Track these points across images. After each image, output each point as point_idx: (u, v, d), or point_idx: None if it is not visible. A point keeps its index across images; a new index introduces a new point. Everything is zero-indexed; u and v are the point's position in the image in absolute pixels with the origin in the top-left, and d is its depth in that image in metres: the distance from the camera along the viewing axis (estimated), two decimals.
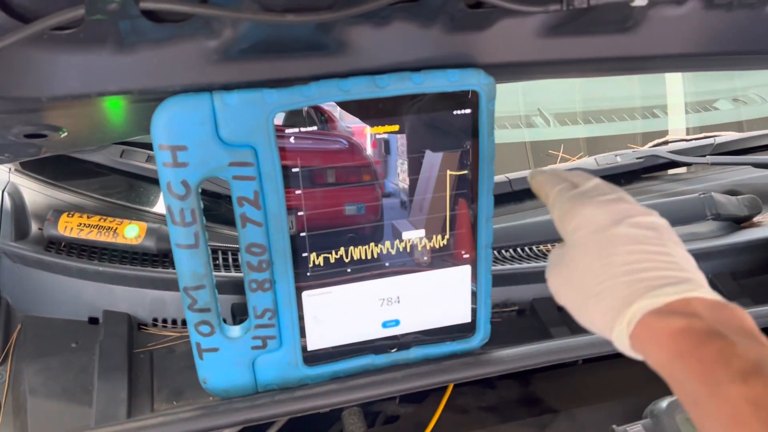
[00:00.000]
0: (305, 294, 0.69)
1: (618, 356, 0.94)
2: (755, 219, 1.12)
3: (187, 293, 0.65)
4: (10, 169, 0.90)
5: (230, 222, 0.91)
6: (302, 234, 0.67)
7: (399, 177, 0.68)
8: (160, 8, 0.48)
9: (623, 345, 0.48)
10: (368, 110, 0.64)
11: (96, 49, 0.51)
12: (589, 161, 1.21)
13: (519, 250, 1.01)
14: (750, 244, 1.05)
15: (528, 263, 0.97)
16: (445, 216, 0.71)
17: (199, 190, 0.62)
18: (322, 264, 0.69)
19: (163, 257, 0.87)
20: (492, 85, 0.65)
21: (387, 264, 0.71)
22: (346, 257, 0.69)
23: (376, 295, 0.72)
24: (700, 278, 0.49)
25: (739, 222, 1.11)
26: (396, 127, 0.66)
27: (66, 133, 0.62)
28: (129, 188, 0.97)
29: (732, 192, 1.14)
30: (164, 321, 0.86)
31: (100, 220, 0.84)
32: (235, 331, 0.70)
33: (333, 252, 0.69)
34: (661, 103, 1.63)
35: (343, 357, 0.73)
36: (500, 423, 0.83)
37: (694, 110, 1.64)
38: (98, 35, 0.50)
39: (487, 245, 0.73)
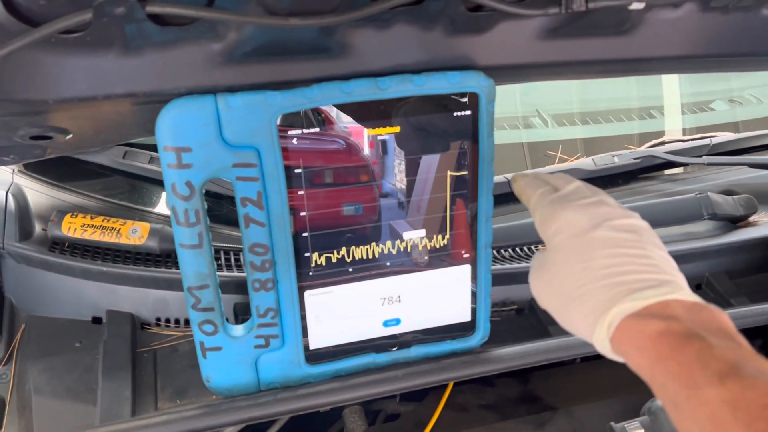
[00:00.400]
0: (307, 293, 0.70)
1: None
2: (751, 219, 1.13)
3: (191, 293, 0.66)
4: (13, 170, 0.91)
5: (232, 222, 0.92)
6: (304, 234, 0.67)
7: (399, 177, 0.69)
8: (167, 12, 0.49)
9: (604, 348, 0.48)
10: (369, 112, 0.65)
11: (102, 52, 0.52)
12: (586, 162, 1.22)
13: (518, 249, 1.02)
14: (746, 244, 1.06)
15: (527, 263, 0.98)
16: (446, 216, 0.71)
17: (203, 191, 0.62)
18: (324, 264, 0.69)
19: (165, 257, 0.87)
20: (492, 87, 0.66)
21: (388, 264, 0.72)
22: (348, 257, 0.70)
23: (377, 294, 0.73)
24: (680, 280, 0.49)
25: (735, 222, 1.12)
26: (397, 129, 0.66)
27: (71, 135, 0.62)
28: (131, 189, 0.97)
29: (728, 192, 1.15)
30: (167, 320, 0.87)
31: (103, 220, 0.85)
32: (238, 330, 0.71)
33: (335, 252, 0.69)
34: (658, 104, 1.64)
35: (345, 355, 0.74)
36: (500, 421, 0.83)
37: (691, 111, 1.65)
38: (105, 39, 0.50)
39: (487, 245, 0.74)
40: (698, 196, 1.10)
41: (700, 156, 1.26)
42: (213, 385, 0.72)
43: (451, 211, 0.71)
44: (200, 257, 0.64)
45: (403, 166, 0.68)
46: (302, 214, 0.66)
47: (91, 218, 0.85)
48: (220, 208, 0.95)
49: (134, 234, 0.85)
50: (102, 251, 0.86)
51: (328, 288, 0.71)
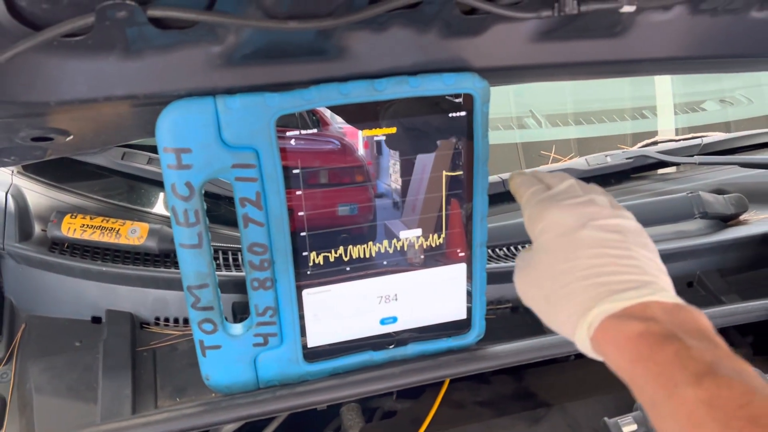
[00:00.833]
0: (305, 292, 0.71)
1: None
2: (741, 217, 1.14)
3: (190, 292, 0.67)
4: (12, 172, 0.91)
5: (229, 222, 0.93)
6: (302, 233, 0.68)
7: (395, 178, 0.70)
8: (168, 15, 0.49)
9: (585, 347, 0.48)
10: (366, 113, 0.66)
11: (104, 55, 0.52)
12: (580, 161, 1.23)
13: (513, 248, 1.03)
14: (736, 242, 1.08)
15: None
16: (441, 215, 0.72)
17: (203, 192, 0.63)
18: (321, 263, 0.70)
19: (164, 257, 0.88)
20: (486, 88, 0.67)
21: (385, 263, 0.73)
22: (345, 256, 0.71)
23: (375, 293, 0.74)
24: (663, 281, 0.49)
25: (726, 220, 1.14)
26: (393, 130, 0.67)
27: (72, 137, 0.63)
28: (130, 190, 0.98)
29: (719, 191, 1.17)
30: (166, 320, 0.88)
31: (102, 221, 0.85)
32: (237, 328, 0.72)
33: (332, 251, 0.70)
34: (650, 105, 1.65)
35: (343, 353, 0.75)
36: (495, 417, 0.84)
37: (683, 111, 1.66)
38: (106, 42, 0.51)
39: (482, 244, 0.75)
40: (690, 195, 1.11)
41: (692, 156, 1.28)
42: (212, 383, 0.73)
43: (446, 210, 0.72)
44: (200, 257, 0.65)
45: (398, 167, 0.69)
46: (300, 213, 0.67)
47: (91, 219, 0.85)
48: (218, 208, 0.95)
49: (133, 234, 0.85)
50: (101, 251, 0.87)
51: (325, 287, 0.72)
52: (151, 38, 0.52)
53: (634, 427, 0.75)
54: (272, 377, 0.74)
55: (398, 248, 0.73)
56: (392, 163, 0.69)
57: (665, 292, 0.47)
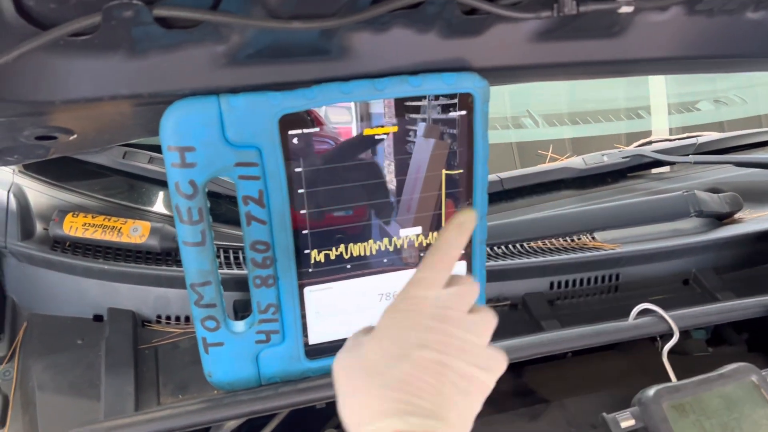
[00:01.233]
0: (307, 290, 0.72)
1: (607, 348, 0.97)
2: (736, 216, 1.15)
3: (193, 289, 0.67)
4: (13, 171, 0.92)
5: (231, 221, 0.93)
6: (304, 231, 0.69)
7: (396, 176, 0.71)
8: (173, 15, 0.50)
9: None
10: (367, 112, 0.67)
11: (109, 55, 0.53)
12: (577, 161, 1.24)
13: (511, 246, 1.04)
14: (731, 240, 1.09)
15: (520, 259, 1.00)
16: (441, 213, 0.73)
17: (206, 190, 0.64)
18: (323, 261, 0.71)
19: (166, 255, 0.88)
20: (486, 88, 0.68)
21: (385, 260, 0.73)
22: (346, 254, 0.72)
23: (375, 290, 0.74)
24: (454, 417, 0.48)
25: (721, 219, 1.15)
26: (394, 129, 0.68)
27: (75, 135, 0.64)
28: (131, 189, 0.98)
29: (714, 190, 1.18)
30: (168, 318, 0.88)
31: (104, 219, 0.86)
32: (239, 326, 0.72)
33: (334, 249, 0.71)
34: (645, 105, 1.67)
35: None
36: (494, 413, 0.85)
37: (677, 111, 1.68)
38: (112, 41, 0.52)
39: (482, 241, 0.76)
40: (685, 194, 1.12)
41: (687, 155, 1.29)
42: (215, 380, 0.73)
43: (446, 208, 0.73)
44: (203, 254, 0.66)
45: (399, 165, 0.70)
46: (302, 212, 0.68)
47: (93, 217, 0.86)
48: (219, 207, 0.96)
49: (135, 233, 0.86)
50: (103, 250, 0.87)
51: (327, 284, 0.72)
52: (157, 38, 0.53)
53: (632, 422, 0.76)
54: (274, 374, 0.74)
55: (398, 246, 0.73)
56: (392, 161, 0.70)
57: (446, 428, 0.47)
